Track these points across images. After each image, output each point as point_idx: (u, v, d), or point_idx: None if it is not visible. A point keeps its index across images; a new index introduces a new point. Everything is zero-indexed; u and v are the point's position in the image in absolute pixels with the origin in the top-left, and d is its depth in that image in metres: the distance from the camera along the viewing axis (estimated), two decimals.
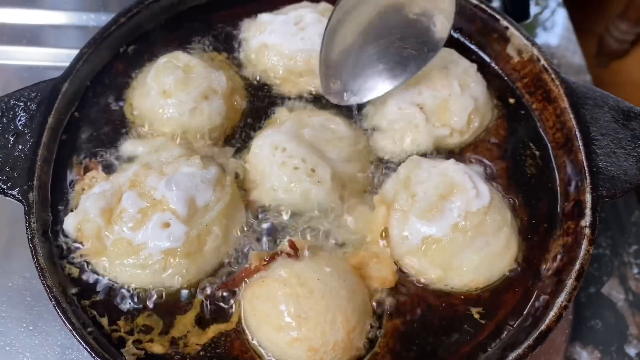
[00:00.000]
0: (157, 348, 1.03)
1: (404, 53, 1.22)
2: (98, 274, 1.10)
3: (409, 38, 1.21)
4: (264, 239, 1.15)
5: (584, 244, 1.08)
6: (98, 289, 1.09)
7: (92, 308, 1.06)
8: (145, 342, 1.04)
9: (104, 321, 1.05)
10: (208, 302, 1.08)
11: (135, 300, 1.08)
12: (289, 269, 1.03)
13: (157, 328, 1.06)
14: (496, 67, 1.39)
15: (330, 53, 1.21)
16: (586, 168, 1.14)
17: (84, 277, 1.09)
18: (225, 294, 1.08)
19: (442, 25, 1.18)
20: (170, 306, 1.08)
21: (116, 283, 1.09)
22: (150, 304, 1.08)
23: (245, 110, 1.32)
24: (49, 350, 1.22)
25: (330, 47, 1.20)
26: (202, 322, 1.06)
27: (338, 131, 1.24)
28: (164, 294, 1.08)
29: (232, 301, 1.08)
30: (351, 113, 1.31)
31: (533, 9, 1.82)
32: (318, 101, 1.32)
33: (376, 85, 1.25)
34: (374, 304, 1.08)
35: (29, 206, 1.08)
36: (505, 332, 1.07)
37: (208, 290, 1.09)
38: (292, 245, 1.07)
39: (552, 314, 1.02)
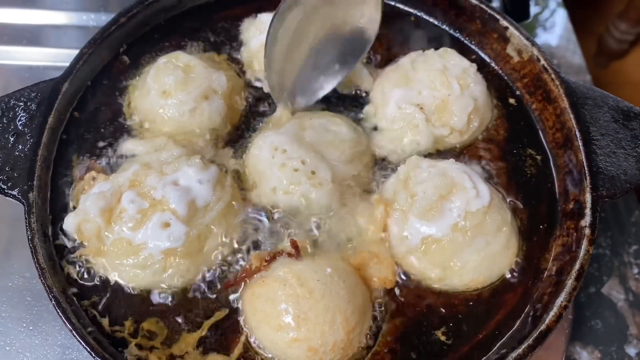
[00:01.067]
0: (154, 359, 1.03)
1: (340, 55, 1.28)
2: (98, 274, 1.09)
3: (341, 43, 1.27)
4: (265, 239, 1.15)
5: (584, 244, 1.08)
6: (98, 289, 1.08)
7: (92, 308, 1.06)
8: (147, 348, 1.03)
9: (104, 321, 1.05)
10: (215, 328, 1.06)
11: (137, 301, 1.08)
12: (289, 269, 1.03)
13: (160, 336, 1.05)
14: (496, 67, 1.39)
15: (273, 63, 1.23)
16: (586, 168, 1.14)
17: (84, 277, 1.09)
18: (233, 327, 1.06)
19: (370, 27, 1.25)
20: (178, 320, 1.07)
21: (116, 283, 1.09)
22: (158, 311, 1.07)
23: (245, 111, 1.32)
24: (49, 350, 1.22)
25: (272, 56, 1.21)
26: (204, 347, 1.05)
27: (339, 133, 1.23)
28: (175, 302, 1.08)
29: (239, 334, 1.06)
30: (353, 114, 1.31)
31: (533, 9, 1.82)
32: (318, 102, 1.32)
33: (322, 86, 1.31)
34: (374, 303, 1.09)
35: (29, 206, 1.08)
36: (505, 332, 1.07)
37: (211, 295, 1.09)
38: (294, 244, 1.07)
39: (552, 314, 1.02)
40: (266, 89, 1.33)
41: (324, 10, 1.21)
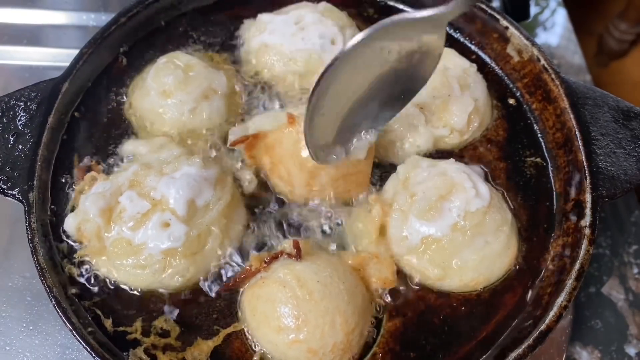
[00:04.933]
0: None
1: (387, 101, 1.12)
2: (99, 274, 1.10)
3: (393, 91, 1.10)
4: (265, 240, 1.15)
5: (584, 244, 1.08)
6: (99, 289, 1.09)
7: (93, 308, 1.06)
8: (159, 347, 1.03)
9: (107, 322, 1.05)
10: (230, 340, 1.06)
11: (139, 302, 1.08)
12: (289, 270, 1.03)
13: (173, 332, 1.05)
14: (496, 67, 1.39)
15: (314, 130, 1.04)
16: (586, 168, 1.14)
17: (85, 277, 1.09)
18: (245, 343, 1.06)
19: (428, 67, 1.09)
20: (182, 321, 1.07)
21: (117, 283, 1.09)
22: (159, 312, 1.07)
23: (245, 111, 1.31)
24: (49, 350, 1.22)
25: (312, 124, 1.03)
26: (218, 358, 1.04)
27: None
28: (175, 302, 1.08)
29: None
30: None
31: (533, 9, 1.82)
32: None
33: (363, 141, 1.13)
34: (374, 304, 1.08)
35: (29, 206, 1.08)
36: (505, 332, 1.07)
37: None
38: (296, 245, 1.07)
39: (552, 314, 1.02)
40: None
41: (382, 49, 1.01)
